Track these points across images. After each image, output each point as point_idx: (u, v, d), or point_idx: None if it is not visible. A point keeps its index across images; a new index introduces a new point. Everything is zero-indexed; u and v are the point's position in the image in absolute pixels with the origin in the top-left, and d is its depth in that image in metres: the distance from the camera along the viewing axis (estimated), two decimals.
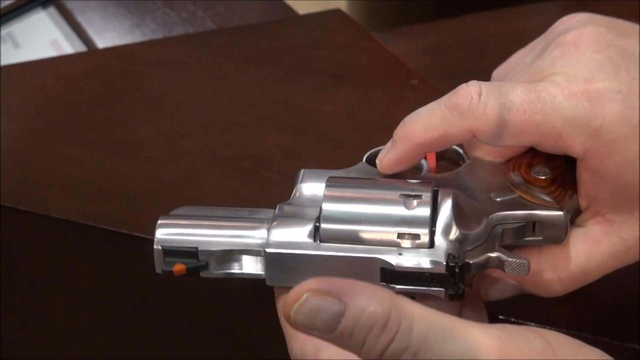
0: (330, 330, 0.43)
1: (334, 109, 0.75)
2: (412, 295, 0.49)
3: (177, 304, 0.68)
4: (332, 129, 0.73)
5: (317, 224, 0.52)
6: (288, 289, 0.49)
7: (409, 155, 0.54)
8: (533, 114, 0.52)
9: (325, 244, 0.51)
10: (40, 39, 0.91)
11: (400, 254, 0.50)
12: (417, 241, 0.51)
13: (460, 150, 0.57)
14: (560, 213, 0.52)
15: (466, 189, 0.54)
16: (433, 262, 0.50)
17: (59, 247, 0.69)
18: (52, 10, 0.94)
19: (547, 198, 0.53)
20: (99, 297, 0.70)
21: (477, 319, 0.52)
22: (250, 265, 0.53)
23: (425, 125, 0.53)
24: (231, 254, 0.53)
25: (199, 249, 0.53)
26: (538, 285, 0.54)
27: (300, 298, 0.43)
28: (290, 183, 0.57)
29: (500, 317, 0.58)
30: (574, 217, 0.54)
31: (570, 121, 0.51)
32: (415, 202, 0.51)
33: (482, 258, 0.51)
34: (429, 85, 0.77)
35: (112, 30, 0.91)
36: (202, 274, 0.53)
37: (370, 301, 0.43)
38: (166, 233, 0.53)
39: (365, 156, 0.57)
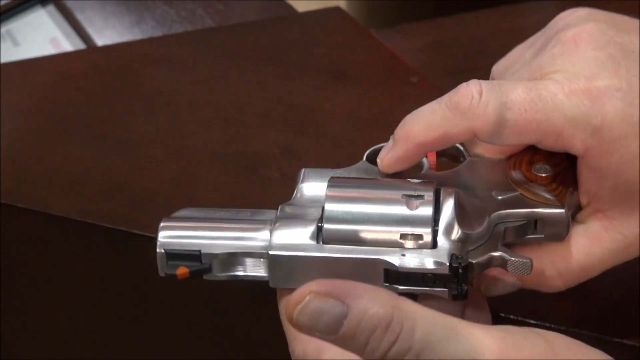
0: (333, 331, 0.43)
1: (334, 107, 0.75)
2: (414, 296, 0.49)
3: (177, 304, 0.68)
4: (332, 126, 0.73)
5: (320, 225, 0.52)
6: (290, 290, 0.49)
7: (409, 155, 0.54)
8: (534, 113, 0.51)
9: (328, 246, 0.51)
10: (39, 37, 0.91)
11: (403, 255, 0.50)
12: (420, 241, 0.51)
13: (461, 147, 0.57)
14: (562, 211, 0.52)
15: (467, 187, 0.54)
16: (436, 263, 0.50)
17: (59, 245, 0.69)
18: (51, 8, 0.94)
19: (548, 196, 0.53)
20: (99, 297, 0.70)
21: (480, 319, 0.52)
22: (254, 268, 0.53)
23: (426, 124, 0.53)
24: (234, 257, 0.53)
25: (202, 251, 0.53)
26: (538, 281, 0.54)
27: (303, 300, 0.43)
28: (289, 181, 0.57)
29: (502, 314, 0.58)
30: (574, 213, 0.54)
31: (571, 119, 0.51)
32: (417, 202, 0.51)
33: (484, 257, 0.51)
34: (428, 82, 0.77)
35: (111, 28, 0.90)
36: (206, 276, 0.53)
37: (372, 303, 0.43)
38: (169, 236, 0.53)
39: (366, 154, 0.57)
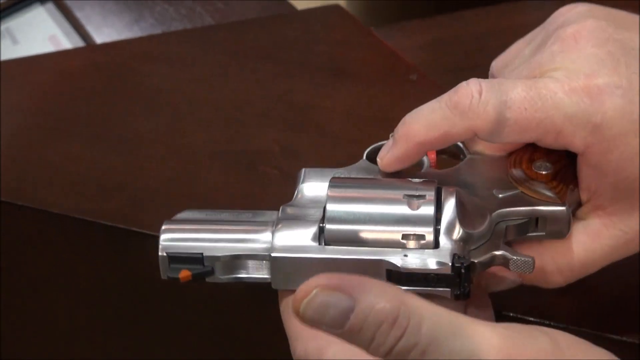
0: (339, 325, 0.43)
1: (333, 105, 0.75)
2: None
3: (177, 304, 0.68)
4: (331, 124, 0.73)
5: (322, 225, 0.52)
6: (292, 291, 0.49)
7: (409, 154, 0.54)
8: (534, 112, 0.51)
9: (330, 247, 0.51)
10: (38, 34, 0.91)
11: (405, 256, 0.50)
12: (422, 241, 0.50)
13: (461, 145, 0.57)
14: (563, 208, 0.52)
15: (468, 185, 0.54)
16: (439, 263, 0.50)
17: (59, 244, 0.69)
18: (50, 6, 0.94)
19: (549, 193, 0.53)
20: (99, 297, 0.70)
21: (483, 317, 0.52)
22: (256, 269, 0.53)
23: (425, 124, 0.53)
24: (236, 259, 0.53)
25: (204, 254, 0.52)
26: (538, 277, 0.54)
27: (310, 293, 0.43)
28: (289, 179, 0.57)
29: (504, 313, 0.58)
30: (574, 210, 0.54)
31: (571, 117, 0.51)
32: (418, 202, 0.51)
33: (486, 257, 0.51)
34: (428, 80, 0.77)
35: (110, 26, 0.90)
36: (208, 279, 0.53)
37: (379, 297, 0.43)
38: (171, 239, 0.53)
39: (366, 152, 0.57)
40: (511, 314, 0.59)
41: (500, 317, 0.57)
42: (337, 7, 0.86)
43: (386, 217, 0.51)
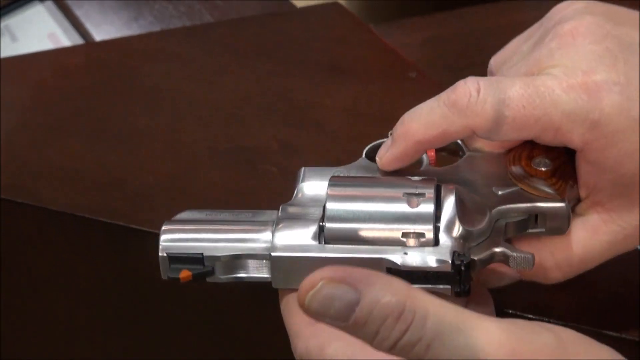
0: (344, 318, 0.43)
1: (332, 102, 0.75)
2: None
3: (177, 304, 0.68)
4: (330, 122, 0.73)
5: (322, 224, 0.52)
6: (292, 290, 0.49)
7: (408, 153, 0.54)
8: (532, 109, 0.51)
9: (330, 246, 0.51)
10: (37, 32, 0.91)
11: (405, 254, 0.50)
12: (422, 239, 0.50)
13: (460, 142, 0.57)
14: (563, 204, 0.53)
15: (467, 182, 0.54)
16: (439, 261, 0.50)
17: (58, 240, 0.69)
18: (49, 3, 0.94)
19: (548, 190, 0.53)
20: (98, 295, 0.70)
21: (484, 312, 0.52)
22: (256, 269, 0.53)
23: (424, 123, 0.53)
24: (237, 259, 0.53)
25: (205, 254, 0.52)
26: (537, 273, 0.54)
27: (316, 286, 0.43)
28: (288, 176, 0.57)
29: (504, 310, 0.58)
30: (574, 206, 0.54)
31: (569, 114, 0.51)
32: (418, 200, 0.51)
33: (486, 254, 0.51)
34: (427, 78, 0.77)
35: (109, 24, 0.90)
36: (209, 279, 0.53)
37: (385, 291, 0.43)
38: (171, 239, 0.53)
39: (365, 151, 0.57)
40: (510, 311, 0.59)
41: (499, 314, 0.57)
42: (336, 5, 0.86)
43: (386, 215, 0.51)
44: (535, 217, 0.53)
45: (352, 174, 0.55)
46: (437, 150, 0.57)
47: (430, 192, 0.52)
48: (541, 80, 0.52)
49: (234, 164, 0.69)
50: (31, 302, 0.72)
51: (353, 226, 0.51)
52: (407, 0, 1.08)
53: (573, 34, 0.53)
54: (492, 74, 0.58)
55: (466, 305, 0.52)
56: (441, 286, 0.50)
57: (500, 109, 0.52)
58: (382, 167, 0.55)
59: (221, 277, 0.53)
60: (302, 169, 0.56)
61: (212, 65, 0.79)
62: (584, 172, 0.53)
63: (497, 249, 0.51)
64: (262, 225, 0.53)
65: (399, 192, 0.52)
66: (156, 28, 0.89)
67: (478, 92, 0.52)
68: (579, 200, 0.54)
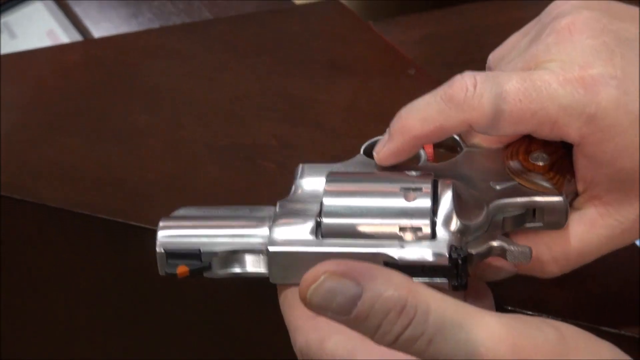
0: (346, 312, 0.43)
1: (331, 99, 0.75)
2: None
3: (177, 304, 0.68)
4: (329, 119, 0.73)
5: (319, 219, 0.52)
6: (290, 285, 0.49)
7: (405, 148, 0.54)
8: (528, 103, 0.52)
9: (328, 240, 0.51)
10: (36, 29, 0.91)
11: (402, 247, 0.50)
12: (419, 234, 0.51)
13: (458, 138, 0.57)
14: (560, 198, 0.53)
15: (465, 178, 0.54)
16: (436, 255, 0.50)
17: (58, 238, 0.69)
18: (48, 0, 0.94)
19: (546, 184, 0.53)
20: (98, 294, 0.70)
21: (483, 306, 0.52)
22: (254, 264, 0.53)
23: (421, 118, 0.53)
24: (234, 254, 0.53)
25: (202, 250, 0.52)
26: (534, 267, 0.54)
27: (318, 279, 0.43)
28: (287, 173, 0.57)
29: (504, 307, 0.58)
30: (572, 200, 0.54)
31: (566, 108, 0.51)
32: (415, 194, 0.51)
33: (484, 247, 0.51)
34: (426, 75, 0.77)
35: (108, 21, 0.90)
36: (206, 274, 0.53)
37: (387, 285, 0.43)
38: (168, 235, 0.53)
39: (363, 147, 0.57)
40: (509, 308, 0.59)
41: (499, 310, 0.57)
42: (335, 2, 0.86)
43: (383, 210, 0.51)
44: (533, 211, 0.53)
45: (350, 170, 0.55)
46: (435, 147, 0.57)
47: (427, 187, 0.52)
48: (538, 75, 0.52)
49: (233, 161, 0.69)
50: (31, 302, 0.72)
51: (350, 221, 0.51)
52: None
53: (570, 29, 0.53)
54: (491, 70, 0.58)
55: (465, 299, 0.52)
56: (438, 280, 0.50)
57: (497, 103, 0.52)
58: (380, 163, 0.55)
59: (218, 272, 0.53)
60: (300, 165, 0.56)
61: (212, 63, 0.79)
62: (581, 166, 0.53)
63: (495, 243, 0.51)
64: (259, 220, 0.53)
65: (396, 186, 0.52)
66: (155, 25, 0.89)
67: (475, 86, 0.52)
68: (576, 194, 0.54)
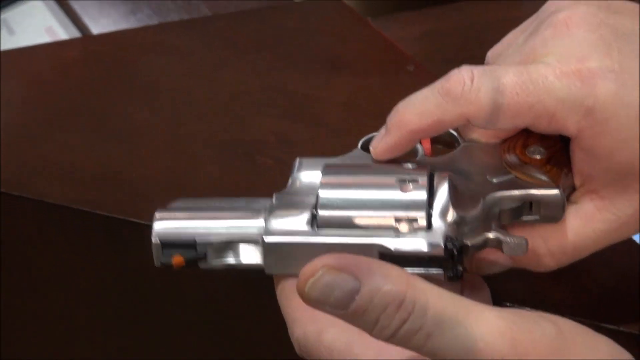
0: (344, 307, 0.43)
1: (330, 95, 0.75)
2: None
3: (177, 304, 0.68)
4: (328, 115, 0.73)
5: (315, 211, 0.52)
6: (289, 276, 0.49)
7: (402, 142, 0.54)
8: (526, 96, 0.51)
9: (323, 231, 0.51)
10: (35, 25, 0.91)
11: (398, 238, 0.50)
12: (415, 225, 0.50)
13: (455, 133, 0.57)
14: (557, 191, 0.52)
15: (462, 171, 0.54)
16: (431, 245, 0.50)
17: (57, 236, 0.69)
18: None
19: (543, 177, 0.53)
20: (98, 292, 0.70)
21: (479, 298, 0.52)
22: (249, 255, 0.53)
23: (418, 112, 0.53)
24: (229, 245, 0.53)
25: (197, 240, 0.52)
26: (530, 260, 0.54)
27: (316, 273, 0.43)
28: (285, 169, 0.57)
29: (503, 303, 0.58)
30: (569, 194, 0.54)
31: (563, 101, 0.51)
32: (411, 185, 0.51)
33: (479, 239, 0.51)
34: (425, 71, 0.77)
35: (107, 17, 0.90)
36: (201, 265, 0.53)
37: (385, 280, 0.43)
38: (164, 226, 0.53)
39: (360, 142, 0.57)
40: (508, 304, 0.59)
41: (495, 305, 0.57)
42: None
43: (378, 201, 0.51)
44: (529, 204, 0.53)
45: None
46: (433, 142, 0.57)
47: (423, 179, 0.52)
48: (535, 68, 0.52)
49: (232, 157, 0.69)
50: (31, 302, 0.72)
51: (346, 213, 0.51)
52: None
53: (567, 23, 0.53)
54: None
55: (462, 292, 0.52)
56: (434, 271, 0.50)
57: (494, 97, 0.52)
58: (376, 157, 0.55)
59: (213, 262, 0.53)
60: (298, 159, 0.56)
61: (211, 59, 0.79)
62: (578, 159, 0.53)
63: (491, 234, 0.51)
64: (255, 211, 0.53)
65: (391, 178, 0.52)
66: (154, 21, 0.89)
67: (472, 80, 0.52)
68: (573, 188, 0.54)
